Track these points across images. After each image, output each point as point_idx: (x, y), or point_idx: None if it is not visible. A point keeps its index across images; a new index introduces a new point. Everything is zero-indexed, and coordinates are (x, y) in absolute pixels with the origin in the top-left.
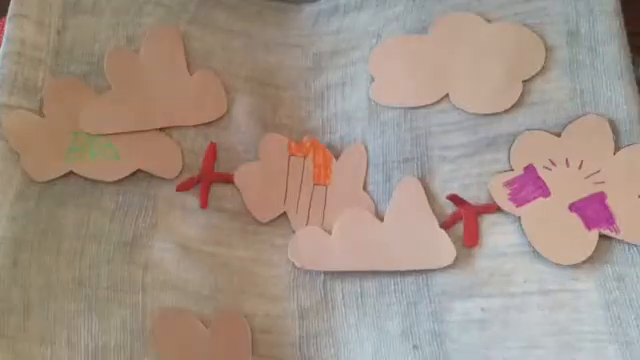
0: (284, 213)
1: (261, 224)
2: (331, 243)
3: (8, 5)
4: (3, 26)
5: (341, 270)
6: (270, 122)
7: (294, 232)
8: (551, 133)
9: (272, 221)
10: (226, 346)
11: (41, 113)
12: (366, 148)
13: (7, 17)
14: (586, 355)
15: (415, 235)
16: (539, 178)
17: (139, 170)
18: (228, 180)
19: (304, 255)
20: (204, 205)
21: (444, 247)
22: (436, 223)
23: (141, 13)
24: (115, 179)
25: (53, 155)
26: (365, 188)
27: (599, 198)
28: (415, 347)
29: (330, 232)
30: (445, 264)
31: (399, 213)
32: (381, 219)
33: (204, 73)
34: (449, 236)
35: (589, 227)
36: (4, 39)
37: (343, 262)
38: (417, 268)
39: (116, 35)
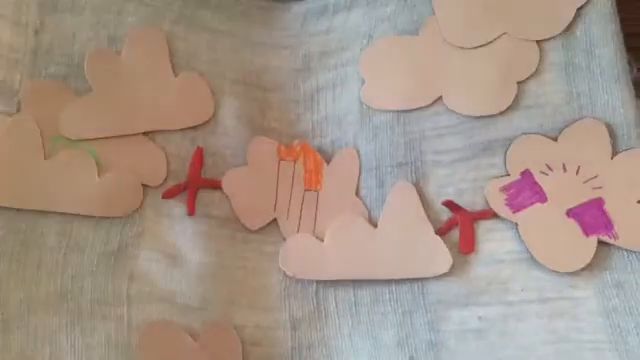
0: (274, 220)
1: (250, 231)
2: (323, 251)
3: None
4: None
5: (334, 279)
6: (258, 125)
7: (285, 239)
8: (548, 137)
9: (262, 228)
10: None
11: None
12: (358, 152)
13: None
14: None
15: (410, 242)
16: (536, 183)
17: None
18: (215, 186)
19: (295, 264)
20: (191, 212)
21: (440, 254)
22: (431, 229)
23: (123, 12)
24: None
25: None
26: (358, 193)
27: (597, 204)
28: (411, 358)
29: (322, 239)
30: (441, 272)
31: (393, 219)
32: (374, 225)
33: (189, 75)
34: (445, 243)
35: (587, 233)
36: None
37: (336, 271)
38: (412, 276)
39: (97, 35)
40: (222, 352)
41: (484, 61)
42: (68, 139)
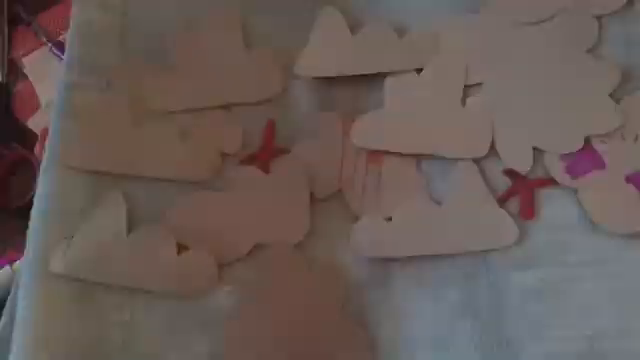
0: (339, 190)
1: (318, 199)
2: (392, 231)
3: None
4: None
5: (403, 256)
6: (325, 99)
7: (350, 208)
8: None
9: (328, 197)
10: None
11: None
12: None
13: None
14: None
15: (475, 218)
16: (595, 151)
17: None
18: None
19: (366, 245)
20: None
21: (506, 227)
22: (496, 204)
23: None
24: None
25: None
26: (418, 166)
27: None
28: (474, 318)
29: (385, 211)
30: (508, 243)
31: (458, 199)
32: (435, 199)
33: (262, 51)
34: (506, 210)
35: None
36: (71, 22)
37: (404, 249)
38: (479, 249)
39: (178, 15)
40: None
41: (544, 36)
42: (154, 111)
